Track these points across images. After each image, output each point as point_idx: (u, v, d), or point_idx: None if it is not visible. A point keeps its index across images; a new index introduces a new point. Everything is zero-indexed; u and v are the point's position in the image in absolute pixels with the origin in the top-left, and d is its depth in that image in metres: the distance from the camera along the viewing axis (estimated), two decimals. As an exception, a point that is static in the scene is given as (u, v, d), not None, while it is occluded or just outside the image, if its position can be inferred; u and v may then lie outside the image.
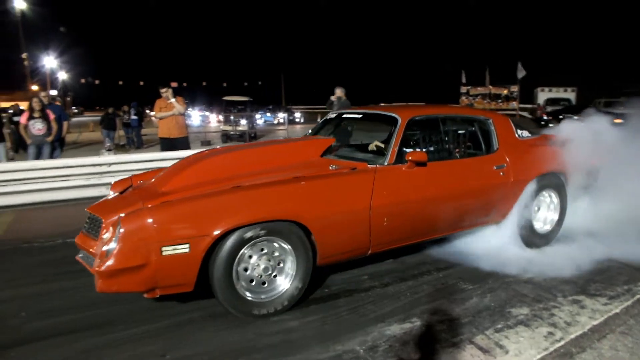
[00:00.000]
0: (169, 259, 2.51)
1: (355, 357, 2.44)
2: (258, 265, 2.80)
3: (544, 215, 4.15)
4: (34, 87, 29.68)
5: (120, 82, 38.95)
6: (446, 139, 3.72)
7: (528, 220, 3.95)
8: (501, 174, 3.75)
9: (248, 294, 2.78)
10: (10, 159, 8.71)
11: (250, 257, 2.78)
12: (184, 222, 2.55)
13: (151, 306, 3.02)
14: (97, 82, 42.97)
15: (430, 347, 2.52)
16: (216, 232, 2.58)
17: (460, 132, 3.88)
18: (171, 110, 6.99)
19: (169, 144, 7.00)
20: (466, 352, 2.47)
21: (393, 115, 3.55)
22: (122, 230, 2.48)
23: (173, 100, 7.02)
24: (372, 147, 3.82)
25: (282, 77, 51.24)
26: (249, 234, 2.68)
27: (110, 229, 2.68)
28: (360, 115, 3.93)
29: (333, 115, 4.21)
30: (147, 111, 19.64)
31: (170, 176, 3.17)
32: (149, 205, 2.64)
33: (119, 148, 13.05)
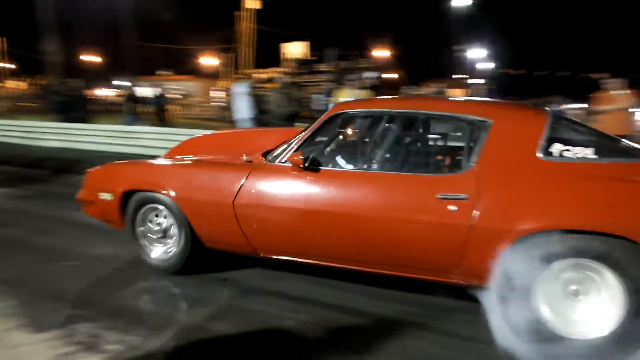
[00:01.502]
0: (102, 201, 3.41)
1: None
2: (152, 224, 3.31)
3: (593, 309, 2.20)
4: (458, 76, 32.60)
5: (541, 73, 38.09)
6: (393, 143, 2.75)
7: (532, 310, 2.23)
8: (450, 207, 2.36)
9: (145, 243, 3.36)
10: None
11: (151, 216, 3.32)
12: (111, 179, 3.42)
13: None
14: (517, 72, 43.50)
15: None
16: (120, 190, 3.30)
17: (425, 136, 2.95)
18: (616, 104, 6.25)
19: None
20: None
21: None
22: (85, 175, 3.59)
23: (619, 92, 6.24)
24: None
25: None
26: (141, 198, 3.26)
27: None
28: None
29: None
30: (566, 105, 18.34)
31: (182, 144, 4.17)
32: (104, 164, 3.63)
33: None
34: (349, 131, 3.17)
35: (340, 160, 2.85)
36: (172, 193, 3.08)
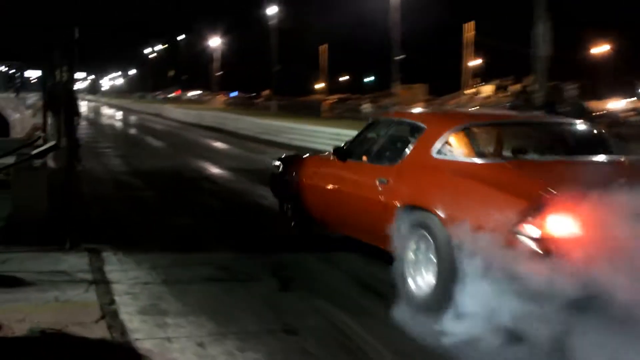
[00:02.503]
0: None
1: None
2: None
3: (419, 267, 5.27)
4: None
5: None
6: (379, 141, 6.60)
7: (400, 263, 5.38)
8: (379, 188, 5.87)
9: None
10: None
11: None
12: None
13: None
14: None
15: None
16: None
17: (394, 136, 6.50)
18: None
19: None
20: None
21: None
22: None
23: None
24: None
25: None
26: None
27: None
28: None
29: None
30: None
31: None
32: None
33: None
34: (372, 133, 7.02)
35: (353, 153, 6.70)
36: (303, 180, 7.52)
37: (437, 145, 5.47)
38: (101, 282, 5.69)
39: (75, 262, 6.27)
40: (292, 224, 7.90)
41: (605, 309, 3.83)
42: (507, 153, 5.87)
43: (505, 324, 4.15)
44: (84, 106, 74.80)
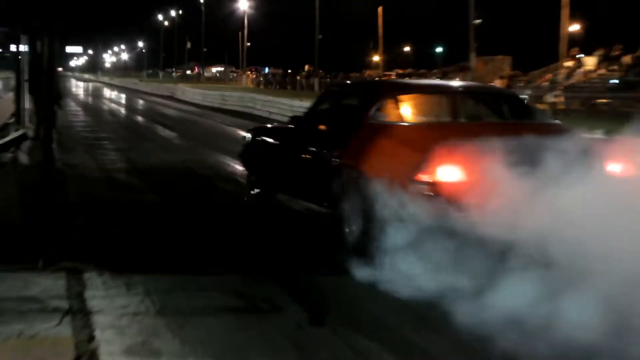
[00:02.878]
0: None
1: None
2: None
3: (354, 217, 7.74)
4: None
5: None
6: (331, 110, 9.74)
7: (339, 215, 8.09)
8: (327, 152, 8.48)
9: None
10: None
11: None
12: None
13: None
14: None
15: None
16: None
17: (343, 105, 9.59)
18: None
19: None
20: None
21: None
22: None
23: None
24: None
25: None
26: None
27: None
28: None
29: None
30: None
31: None
32: None
33: None
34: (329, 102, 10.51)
35: (310, 122, 9.84)
36: (266, 148, 11.21)
37: (370, 111, 8.28)
38: (79, 312, 5.58)
39: (50, 285, 6.19)
40: (253, 191, 11.17)
41: (482, 239, 5.90)
42: (428, 118, 8.91)
43: (418, 258, 6.31)
44: (79, 87, 76.11)
